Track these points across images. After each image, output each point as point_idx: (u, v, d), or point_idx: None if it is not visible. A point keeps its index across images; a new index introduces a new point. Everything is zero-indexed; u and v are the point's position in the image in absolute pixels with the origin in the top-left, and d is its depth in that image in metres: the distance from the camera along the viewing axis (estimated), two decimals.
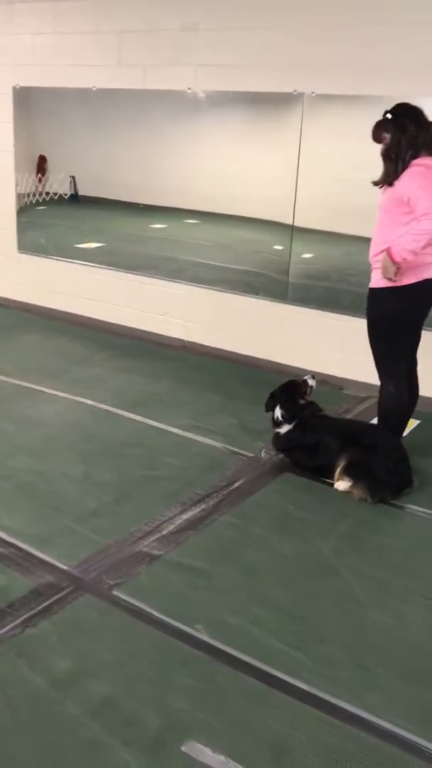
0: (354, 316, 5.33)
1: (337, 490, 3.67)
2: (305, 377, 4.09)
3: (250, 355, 5.65)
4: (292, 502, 3.58)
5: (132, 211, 6.52)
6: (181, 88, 5.43)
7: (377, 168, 3.75)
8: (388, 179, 3.72)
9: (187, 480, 3.72)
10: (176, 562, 3.02)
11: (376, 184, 3.82)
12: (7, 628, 2.58)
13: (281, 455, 4.01)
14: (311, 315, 5.41)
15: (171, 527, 3.28)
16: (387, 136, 3.70)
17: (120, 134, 6.08)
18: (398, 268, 3.59)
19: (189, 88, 5.40)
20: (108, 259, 6.50)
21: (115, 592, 2.82)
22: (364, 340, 4.64)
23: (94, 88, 5.88)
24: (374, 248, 3.79)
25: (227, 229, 6.17)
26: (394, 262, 3.58)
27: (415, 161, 3.64)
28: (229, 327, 5.79)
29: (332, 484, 3.72)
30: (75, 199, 6.79)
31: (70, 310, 6.69)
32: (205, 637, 2.59)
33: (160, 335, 6.13)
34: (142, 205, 6.41)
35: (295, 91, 4.97)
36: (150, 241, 6.57)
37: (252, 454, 4.07)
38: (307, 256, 5.55)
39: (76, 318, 6.60)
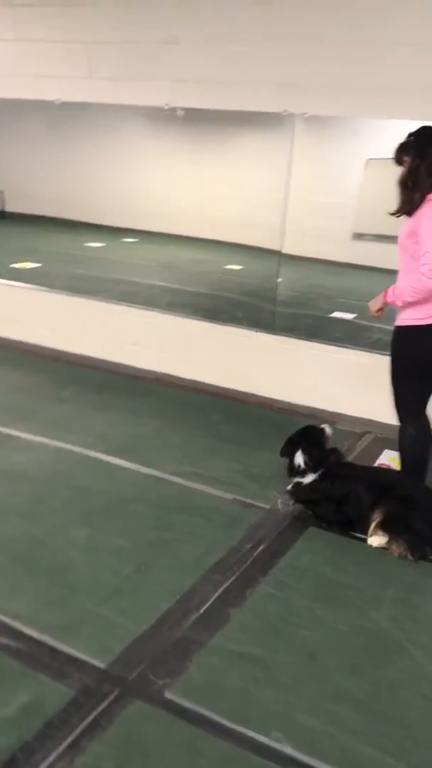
0: (343, 346, 5.14)
1: (371, 546, 3.37)
2: (322, 426, 3.78)
3: (232, 388, 5.30)
4: (327, 563, 3.24)
5: (63, 229, 6.12)
6: (157, 104, 5.04)
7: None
8: (405, 208, 3.48)
9: (207, 542, 3.32)
10: (226, 650, 2.63)
11: (393, 213, 3.58)
12: (52, 757, 2.12)
13: (299, 505, 3.69)
14: (299, 346, 5.13)
15: (207, 604, 2.88)
16: (407, 159, 3.48)
17: (53, 149, 5.70)
18: (381, 309, 3.57)
19: (166, 105, 5.02)
20: (49, 281, 6.03)
21: (168, 695, 2.40)
22: (356, 372, 4.40)
23: (58, 102, 5.40)
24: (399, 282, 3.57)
25: (168, 248, 5.91)
26: (385, 302, 3.53)
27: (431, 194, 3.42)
28: (206, 358, 5.43)
29: (364, 540, 3.42)
30: (1, 215, 6.31)
31: (21, 339, 6.15)
32: (287, 748, 2.22)
33: (130, 366, 5.70)
34: (75, 222, 6.04)
35: (285, 111, 4.69)
36: (90, 262, 6.20)
37: (268, 506, 3.71)
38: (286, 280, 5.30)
39: (28, 347, 6.06)
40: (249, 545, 3.33)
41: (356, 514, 3.45)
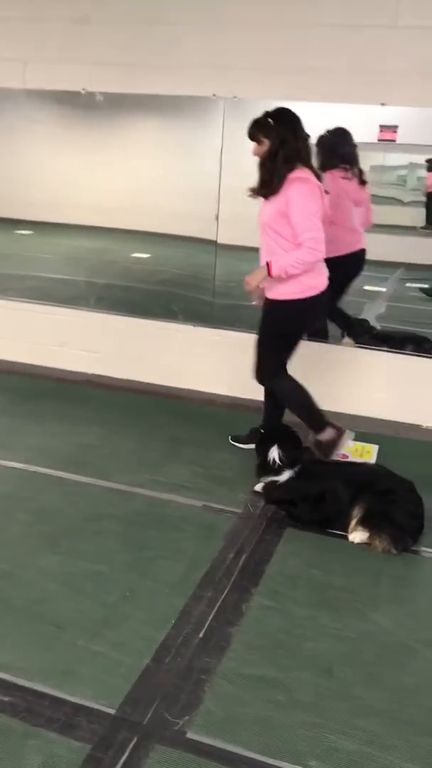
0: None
1: (352, 542, 3.30)
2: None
3: (172, 385, 5.10)
4: (314, 565, 3.13)
5: None
6: (74, 89, 4.72)
7: None
8: (264, 192, 3.61)
9: (188, 556, 3.13)
10: (237, 675, 2.47)
11: (252, 195, 3.71)
12: None
13: (270, 506, 3.57)
14: (241, 339, 4.98)
15: (205, 626, 2.70)
16: (265, 141, 3.57)
17: None
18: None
19: (84, 90, 4.71)
20: None
21: (190, 735, 2.21)
22: (299, 362, 4.37)
23: None
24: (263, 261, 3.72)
25: (66, 239, 5.70)
26: (270, 277, 3.61)
27: (293, 175, 3.47)
28: (140, 355, 5.19)
29: (343, 536, 3.33)
30: None
31: None
32: None
33: (57, 369, 5.37)
34: None
35: (214, 95, 4.50)
36: None
37: (240, 510, 3.56)
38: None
39: None
40: (231, 555, 3.17)
41: (333, 511, 3.37)
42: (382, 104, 4.25)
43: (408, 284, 7.18)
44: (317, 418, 3.88)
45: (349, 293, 7.18)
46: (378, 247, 7.13)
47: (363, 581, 3.04)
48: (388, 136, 7.59)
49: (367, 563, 3.17)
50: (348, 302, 6.97)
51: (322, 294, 3.71)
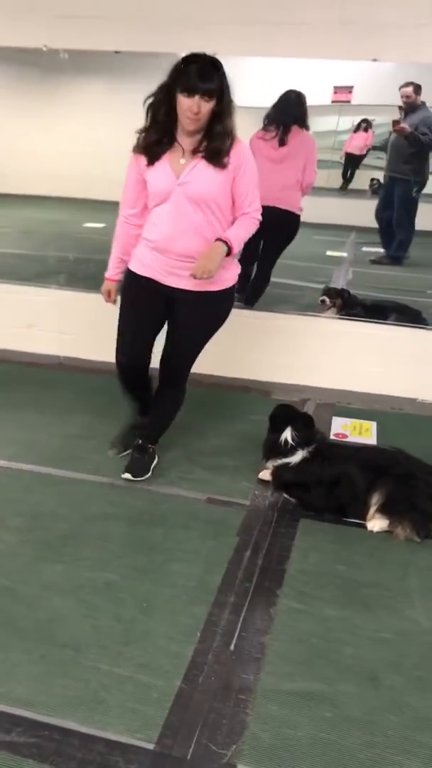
0: (272, 312, 4.84)
1: (372, 531, 3.12)
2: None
3: (153, 367, 4.79)
4: (336, 560, 2.94)
5: None
6: (34, 45, 4.31)
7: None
8: (217, 161, 2.94)
9: (203, 557, 2.90)
10: (280, 692, 2.26)
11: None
12: None
13: (278, 494, 3.35)
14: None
15: (234, 636, 2.49)
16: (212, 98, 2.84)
17: None
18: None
19: (45, 46, 4.30)
20: None
21: (241, 767, 2.00)
22: (287, 337, 4.17)
23: None
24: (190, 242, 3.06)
25: (16, 210, 5.39)
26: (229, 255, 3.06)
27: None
28: (114, 335, 4.86)
29: (360, 525, 3.15)
30: None
31: None
32: None
33: (25, 353, 5.01)
34: None
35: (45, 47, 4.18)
36: None
37: (247, 502, 3.33)
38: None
39: None
40: (248, 553, 2.95)
41: (349, 498, 3.17)
42: (374, 60, 3.98)
43: (364, 248, 7.08)
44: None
45: (315, 260, 7.06)
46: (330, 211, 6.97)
47: (391, 575, 2.87)
48: (342, 97, 7.35)
49: (392, 554, 2.99)
50: (316, 269, 6.84)
51: None
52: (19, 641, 2.40)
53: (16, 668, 2.29)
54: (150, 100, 2.95)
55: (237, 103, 3.14)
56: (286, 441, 3.27)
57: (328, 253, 7.14)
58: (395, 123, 6.28)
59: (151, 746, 2.04)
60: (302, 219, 6.94)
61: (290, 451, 3.26)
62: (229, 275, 3.22)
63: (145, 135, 3.01)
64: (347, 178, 7.99)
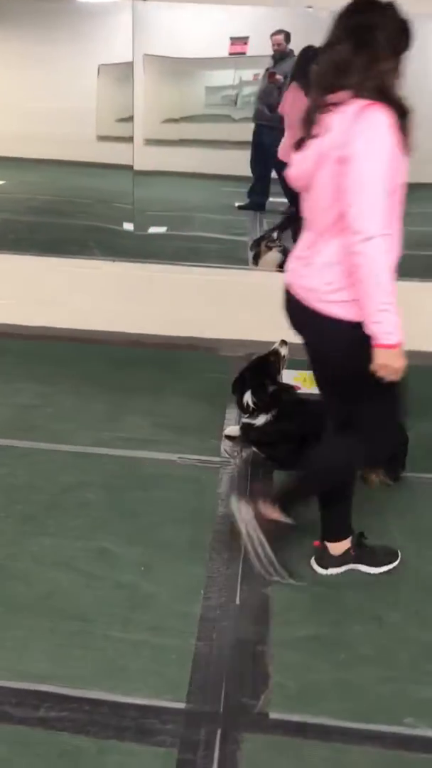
0: (208, 266, 4.82)
1: None
2: (274, 346, 3.43)
3: (95, 329, 4.69)
4: (316, 507, 3.00)
5: None
6: None
7: None
8: None
9: (188, 517, 2.90)
10: (293, 639, 2.32)
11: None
12: None
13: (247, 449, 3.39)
14: (165, 271, 4.66)
15: (236, 590, 2.53)
16: None
17: None
18: None
19: None
20: None
21: (275, 716, 2.05)
22: (228, 292, 4.14)
23: None
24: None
25: None
26: None
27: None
28: (53, 298, 4.72)
29: None
30: None
31: None
32: (430, 732, 2.03)
33: None
34: None
35: None
36: None
37: (218, 459, 3.35)
38: None
39: None
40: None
41: None
42: (309, 7, 3.95)
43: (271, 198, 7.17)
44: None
45: (228, 212, 7.09)
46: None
47: (369, 518, 2.94)
48: (238, 49, 7.32)
49: (368, 498, 3.09)
50: (232, 221, 6.87)
51: None
52: (24, 618, 2.34)
53: (28, 645, 2.23)
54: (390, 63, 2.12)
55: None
56: (247, 404, 3.29)
57: (237, 204, 7.17)
58: (271, 75, 6.33)
59: (182, 705, 2.06)
60: (210, 171, 7.01)
61: (253, 413, 3.29)
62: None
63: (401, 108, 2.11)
64: None
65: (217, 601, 2.47)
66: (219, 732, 1.99)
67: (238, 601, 2.48)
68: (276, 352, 3.39)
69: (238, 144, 7.30)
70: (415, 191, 2.36)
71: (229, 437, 3.50)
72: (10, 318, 4.73)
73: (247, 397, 3.29)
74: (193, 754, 1.92)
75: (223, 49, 7.59)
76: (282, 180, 5.31)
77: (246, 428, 3.34)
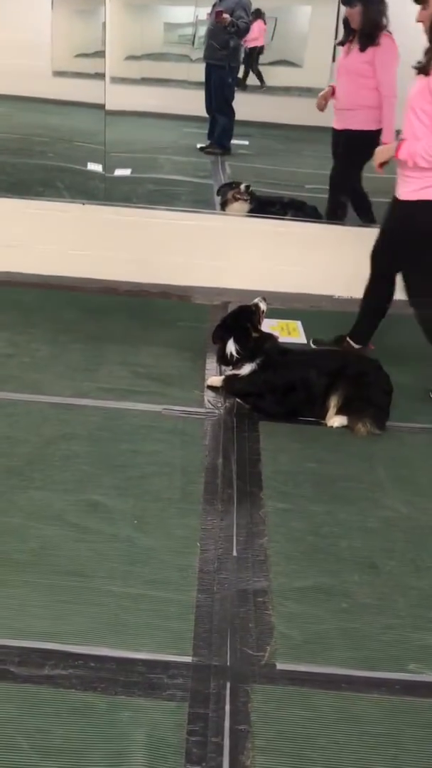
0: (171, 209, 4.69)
1: (331, 427, 3.20)
2: (255, 300, 3.36)
3: (63, 275, 4.52)
4: (306, 458, 3.00)
5: None
6: None
7: None
8: (429, 64, 3.09)
9: (176, 468, 2.85)
10: (294, 589, 2.31)
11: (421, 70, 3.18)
12: None
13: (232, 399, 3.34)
14: (135, 216, 4.50)
15: (232, 541, 2.50)
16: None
17: None
18: (386, 163, 3.15)
19: None
20: None
21: (282, 666, 2.05)
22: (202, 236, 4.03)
23: None
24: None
25: None
26: (397, 158, 3.18)
27: None
28: (19, 242, 4.52)
29: (317, 423, 3.23)
30: None
31: None
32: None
33: None
34: None
35: None
36: None
37: (203, 410, 3.29)
38: None
39: None
40: (220, 460, 2.95)
41: (304, 401, 3.22)
42: None
43: (234, 141, 7.01)
44: None
45: (191, 154, 6.93)
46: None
47: (359, 467, 2.98)
48: None
49: (355, 448, 3.10)
50: (196, 164, 6.70)
51: None
52: (21, 574, 2.28)
53: (27, 602, 2.17)
54: None
55: None
56: (231, 354, 3.23)
57: (199, 145, 7.00)
58: (218, 14, 6.14)
59: (188, 659, 2.04)
60: (170, 112, 6.81)
61: (237, 363, 3.23)
62: (418, 186, 3.24)
63: None
64: (246, 73, 7.75)
65: (214, 553, 2.45)
66: (228, 685, 1.98)
67: (235, 553, 2.46)
68: (256, 305, 3.32)
69: (197, 84, 7.10)
70: None
71: (211, 387, 3.44)
72: None
73: (231, 347, 3.22)
74: (204, 707, 1.91)
75: None
76: None
77: (230, 379, 3.28)
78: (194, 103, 6.92)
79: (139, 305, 4.33)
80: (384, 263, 3.48)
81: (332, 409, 3.17)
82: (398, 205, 3.34)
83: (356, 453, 3.07)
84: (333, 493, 2.81)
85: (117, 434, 3.04)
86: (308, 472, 2.92)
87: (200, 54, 7.11)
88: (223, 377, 3.35)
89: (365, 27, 4.12)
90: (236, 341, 3.22)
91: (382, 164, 3.33)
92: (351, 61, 4.24)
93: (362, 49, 4.14)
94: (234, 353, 3.22)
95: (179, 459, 2.92)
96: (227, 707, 1.92)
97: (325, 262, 4.55)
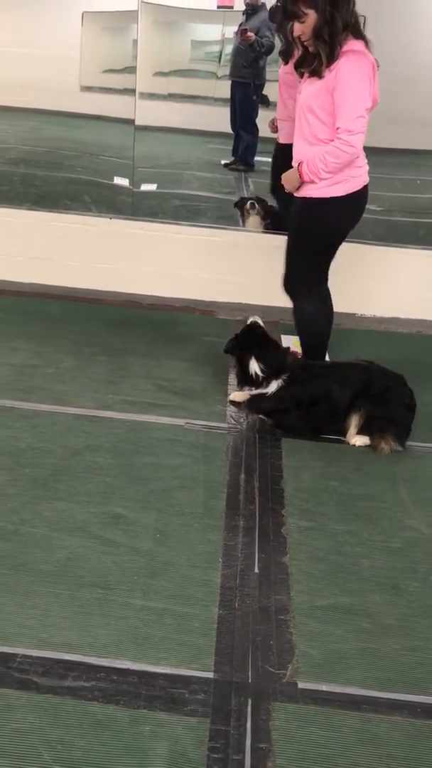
0: (211, 227, 4.72)
1: (354, 446, 3.20)
2: (252, 320, 3.40)
3: (87, 287, 4.57)
4: (328, 477, 3.00)
5: None
6: None
7: None
8: (320, 66, 3.11)
9: (200, 483, 2.86)
10: (315, 608, 2.30)
11: (299, 69, 3.28)
12: None
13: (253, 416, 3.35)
14: (164, 232, 4.55)
15: (255, 559, 2.50)
16: (310, 13, 3.04)
17: None
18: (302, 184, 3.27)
19: None
20: None
21: (303, 685, 2.05)
22: (225, 253, 4.06)
23: None
24: (299, 150, 3.29)
25: None
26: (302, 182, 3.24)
27: (346, 47, 3.08)
28: (46, 255, 4.58)
29: (337, 441, 3.23)
30: None
31: None
32: None
33: None
34: None
35: None
36: None
37: (226, 425, 3.31)
38: None
39: None
40: (242, 476, 2.95)
41: (328, 416, 3.23)
42: None
43: (257, 158, 7.06)
44: (320, 357, 3.60)
45: (214, 170, 6.98)
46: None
47: (382, 487, 2.98)
48: (226, 2, 7.15)
49: (378, 467, 3.10)
50: (220, 180, 6.76)
51: (365, 189, 3.33)
52: (44, 585, 2.29)
53: (50, 613, 2.19)
54: None
55: None
56: (255, 374, 3.24)
57: (223, 161, 7.06)
58: (243, 32, 6.21)
59: (210, 675, 2.04)
60: (195, 127, 6.90)
61: (263, 382, 3.23)
62: (319, 185, 3.24)
63: None
64: None
65: (235, 569, 2.45)
66: (250, 702, 1.98)
67: (257, 570, 2.46)
68: (255, 323, 3.35)
69: (223, 101, 7.17)
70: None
71: (233, 403, 3.45)
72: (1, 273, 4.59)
73: (254, 366, 3.23)
74: (225, 724, 1.90)
75: (213, 1, 7.42)
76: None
77: (257, 399, 3.28)
78: (219, 119, 6.98)
79: (163, 319, 4.37)
80: None
81: (353, 428, 3.17)
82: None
83: (379, 472, 3.07)
84: (355, 512, 2.80)
85: (140, 447, 3.06)
86: (331, 490, 2.92)
87: (226, 71, 7.19)
88: (247, 396, 3.34)
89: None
90: (258, 360, 3.23)
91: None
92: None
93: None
94: (259, 372, 3.23)
95: (202, 473, 2.93)
96: (248, 724, 1.91)
97: (345, 280, 4.55)
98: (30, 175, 5.90)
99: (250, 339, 3.32)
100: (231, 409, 3.42)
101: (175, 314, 4.47)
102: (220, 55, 8.40)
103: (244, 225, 5.00)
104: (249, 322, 3.42)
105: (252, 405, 3.32)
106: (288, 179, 3.34)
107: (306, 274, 3.50)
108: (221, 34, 8.09)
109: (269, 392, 3.23)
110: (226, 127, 6.94)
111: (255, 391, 3.27)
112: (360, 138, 3.12)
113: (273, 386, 3.23)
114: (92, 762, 1.77)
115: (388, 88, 4.99)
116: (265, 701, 1.99)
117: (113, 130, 6.16)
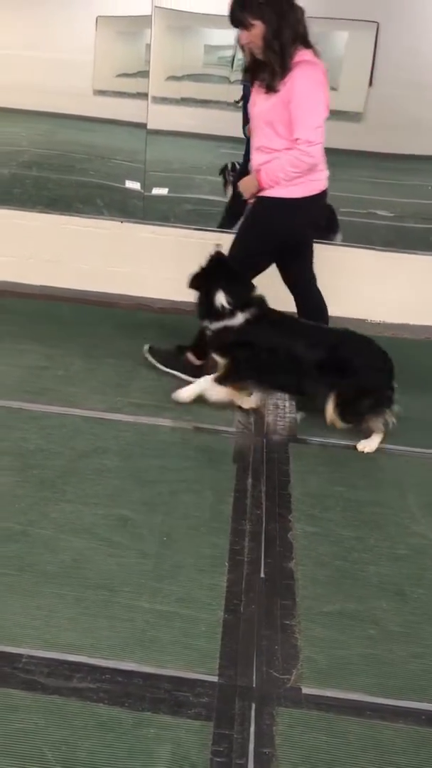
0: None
1: (362, 451, 3.20)
2: (216, 249, 3.36)
3: (98, 290, 4.59)
4: (335, 482, 3.00)
5: None
6: None
7: None
8: (272, 84, 3.11)
9: (207, 487, 2.86)
10: (320, 614, 2.31)
11: (247, 82, 3.31)
12: None
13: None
14: (172, 234, 4.56)
15: (261, 564, 2.51)
16: (257, 24, 3.04)
17: None
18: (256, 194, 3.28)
19: None
20: None
21: (307, 691, 2.05)
22: None
23: None
24: (257, 160, 3.29)
25: None
26: (261, 188, 3.25)
27: (298, 57, 3.08)
28: (57, 257, 4.60)
29: (347, 446, 3.23)
30: None
31: None
32: None
33: None
34: None
35: None
36: None
37: (233, 429, 3.32)
38: None
39: None
40: (249, 480, 2.96)
41: (294, 381, 3.25)
42: None
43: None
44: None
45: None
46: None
47: (389, 493, 2.97)
48: None
49: (385, 473, 3.11)
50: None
51: (323, 194, 3.35)
52: (50, 586, 2.30)
53: (55, 614, 2.20)
54: None
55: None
56: (222, 306, 3.18)
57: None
58: None
59: (215, 678, 2.05)
60: (207, 132, 6.92)
61: (229, 314, 3.19)
62: (278, 187, 3.23)
63: None
64: None
65: (241, 573, 2.45)
66: (254, 706, 1.98)
67: (263, 575, 2.46)
68: (219, 253, 3.32)
69: (235, 105, 7.19)
70: None
71: (241, 408, 3.46)
72: (11, 276, 4.61)
73: (221, 298, 3.19)
74: (229, 728, 1.91)
75: (226, 6, 7.42)
76: None
77: (222, 332, 3.23)
78: (231, 123, 6.99)
79: (173, 323, 4.37)
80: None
81: (331, 409, 3.16)
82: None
83: (386, 478, 3.07)
84: (362, 518, 2.80)
85: (148, 450, 3.07)
86: (337, 496, 2.92)
87: (238, 76, 7.22)
88: (210, 332, 3.31)
89: None
90: (226, 291, 3.18)
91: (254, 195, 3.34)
92: None
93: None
94: (225, 304, 3.18)
95: (208, 477, 2.94)
96: (252, 729, 1.92)
97: (355, 286, 4.56)
98: (42, 178, 5.93)
99: (217, 271, 3.27)
100: (240, 415, 3.43)
101: (185, 317, 4.45)
102: (233, 59, 8.44)
103: (226, 194, 5.04)
104: (213, 252, 3.34)
105: (216, 339, 3.27)
106: (246, 186, 3.35)
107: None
108: (234, 38, 8.14)
109: (235, 324, 3.19)
110: (238, 131, 6.96)
111: (220, 324, 3.22)
112: (319, 148, 3.15)
113: (239, 318, 3.19)
114: (96, 763, 1.78)
115: (398, 93, 5.02)
116: (269, 706, 1.99)
117: (125, 134, 6.19)
